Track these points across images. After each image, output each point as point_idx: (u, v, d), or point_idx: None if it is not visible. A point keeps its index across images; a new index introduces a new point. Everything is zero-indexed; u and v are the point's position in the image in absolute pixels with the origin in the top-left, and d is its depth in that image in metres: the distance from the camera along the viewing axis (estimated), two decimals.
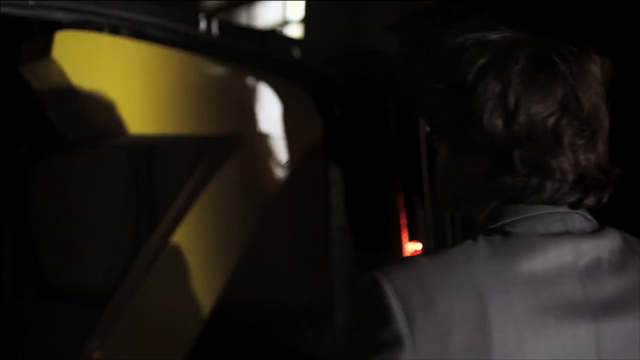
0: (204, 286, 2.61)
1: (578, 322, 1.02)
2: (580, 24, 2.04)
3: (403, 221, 2.55)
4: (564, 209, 1.08)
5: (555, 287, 1.03)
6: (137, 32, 2.40)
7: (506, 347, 0.98)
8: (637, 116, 1.84)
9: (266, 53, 2.76)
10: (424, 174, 2.41)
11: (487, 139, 1.05)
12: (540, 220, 1.06)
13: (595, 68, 1.10)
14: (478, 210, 1.12)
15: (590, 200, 1.09)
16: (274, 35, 3.75)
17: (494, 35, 1.10)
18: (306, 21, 5.81)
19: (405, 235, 2.62)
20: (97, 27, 2.32)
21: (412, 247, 2.62)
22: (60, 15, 2.23)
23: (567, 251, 1.04)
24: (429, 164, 2.39)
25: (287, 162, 2.83)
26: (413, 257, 1.07)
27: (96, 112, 2.26)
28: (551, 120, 1.03)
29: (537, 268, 1.02)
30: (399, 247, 2.62)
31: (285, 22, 6.43)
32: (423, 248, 2.57)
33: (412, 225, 2.61)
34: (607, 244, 1.08)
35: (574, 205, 1.08)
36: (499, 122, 1.04)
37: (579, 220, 1.09)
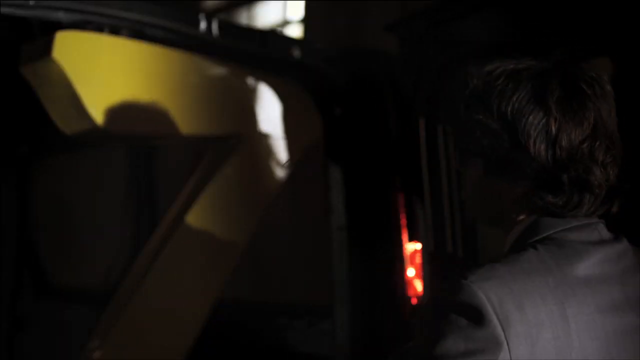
0: (204, 286, 2.61)
1: (625, 319, 1.17)
2: (580, 24, 2.04)
3: (403, 221, 2.55)
4: (594, 220, 1.22)
5: (604, 288, 1.17)
6: (137, 32, 2.40)
7: (582, 344, 1.12)
8: (637, 116, 1.84)
9: (266, 53, 2.76)
10: (424, 174, 2.41)
11: (531, 163, 1.18)
12: (581, 230, 1.20)
13: (611, 88, 1.23)
14: (512, 223, 1.25)
15: (614, 210, 1.24)
16: (274, 35, 3.74)
17: (521, 66, 1.23)
18: (306, 21, 5.81)
19: (405, 235, 2.62)
20: (98, 27, 2.32)
21: (412, 247, 2.62)
22: (60, 16, 2.23)
23: (608, 257, 1.19)
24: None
25: (287, 162, 2.83)
26: (488, 266, 1.16)
27: (96, 112, 2.26)
28: (587, 142, 1.17)
29: (589, 272, 1.17)
30: (399, 247, 2.62)
31: (286, 23, 6.43)
32: (423, 248, 2.56)
33: (412, 225, 2.60)
34: (629, 249, 1.24)
35: (602, 216, 1.23)
36: (542, 147, 1.17)
37: (605, 229, 1.23)
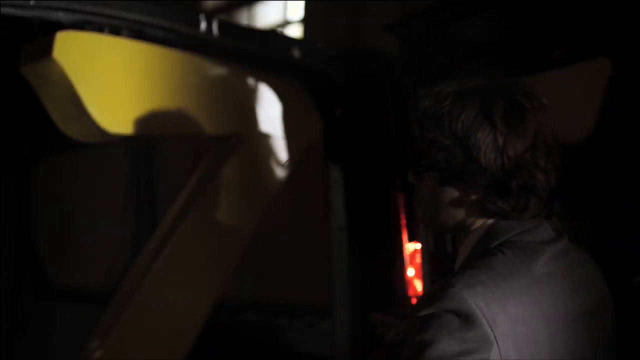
0: (204, 286, 2.61)
1: (577, 306, 1.33)
2: (580, 23, 2.04)
3: (403, 221, 2.55)
4: (542, 221, 1.36)
5: (559, 282, 1.32)
6: (138, 33, 2.40)
7: (551, 334, 1.27)
8: (637, 116, 1.85)
9: (266, 53, 2.76)
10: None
11: (483, 173, 1.32)
12: (535, 232, 1.34)
13: (546, 101, 1.36)
14: (467, 229, 1.40)
15: (555, 210, 1.38)
16: (274, 36, 3.74)
17: (466, 87, 1.38)
18: (306, 21, 5.82)
19: (405, 235, 2.62)
20: (98, 28, 2.32)
21: (412, 247, 2.62)
22: (60, 16, 2.24)
23: (557, 254, 1.34)
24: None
25: (287, 162, 2.83)
26: (469, 273, 1.27)
27: (96, 112, 2.26)
28: (530, 151, 1.31)
29: (546, 269, 1.31)
30: (399, 247, 2.62)
31: (286, 23, 6.43)
32: (422, 248, 2.56)
33: (412, 225, 2.61)
34: (570, 245, 1.39)
35: (546, 217, 1.36)
36: (492, 157, 1.31)
37: (550, 228, 1.37)
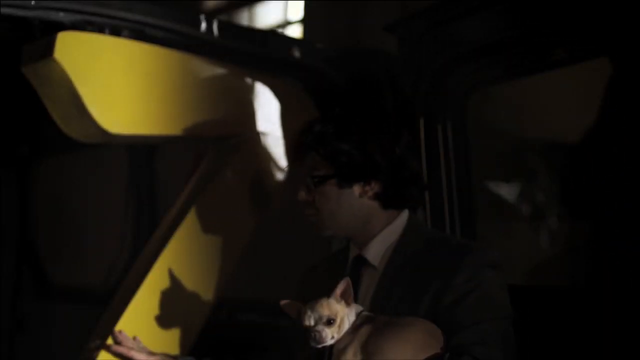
0: (204, 286, 2.61)
1: None
2: (580, 23, 2.04)
3: None
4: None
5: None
6: (138, 33, 2.40)
7: None
8: (637, 116, 1.85)
9: (266, 53, 2.76)
10: (423, 173, 2.42)
11: (378, 174, 1.80)
12: (425, 224, 2.07)
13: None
14: (373, 226, 1.85)
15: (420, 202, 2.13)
16: (274, 36, 3.75)
17: (359, 115, 1.88)
18: (306, 21, 5.82)
19: None
20: (99, 28, 2.32)
21: None
22: (61, 16, 2.24)
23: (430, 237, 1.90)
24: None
25: (288, 162, 2.83)
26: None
27: (97, 113, 2.27)
28: (408, 153, 1.84)
29: None
30: None
31: (286, 23, 6.44)
32: None
33: None
34: None
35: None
36: (385, 162, 1.79)
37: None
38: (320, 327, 1.64)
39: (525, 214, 2.50)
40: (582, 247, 2.14)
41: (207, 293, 2.62)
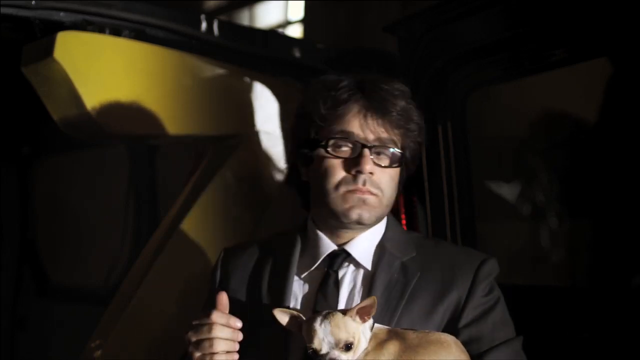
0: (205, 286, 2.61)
1: None
2: (580, 23, 2.04)
3: (403, 221, 2.55)
4: None
5: None
6: (138, 33, 2.41)
7: None
8: (637, 116, 1.85)
9: (267, 53, 2.76)
10: (424, 173, 2.42)
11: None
12: None
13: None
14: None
15: None
16: (274, 36, 3.75)
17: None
18: (306, 21, 5.82)
19: None
20: (99, 28, 2.32)
21: None
22: (61, 16, 2.24)
23: None
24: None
25: (287, 162, 2.83)
26: None
27: (97, 112, 2.27)
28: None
29: None
30: None
31: (286, 23, 6.44)
32: None
33: (412, 225, 2.61)
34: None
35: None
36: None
37: None
38: (335, 354, 1.40)
39: (525, 214, 2.50)
40: (582, 247, 2.14)
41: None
